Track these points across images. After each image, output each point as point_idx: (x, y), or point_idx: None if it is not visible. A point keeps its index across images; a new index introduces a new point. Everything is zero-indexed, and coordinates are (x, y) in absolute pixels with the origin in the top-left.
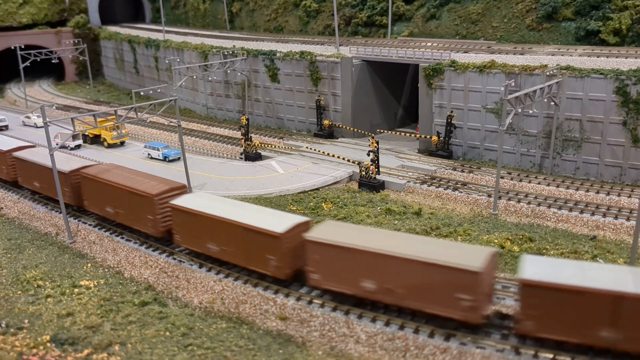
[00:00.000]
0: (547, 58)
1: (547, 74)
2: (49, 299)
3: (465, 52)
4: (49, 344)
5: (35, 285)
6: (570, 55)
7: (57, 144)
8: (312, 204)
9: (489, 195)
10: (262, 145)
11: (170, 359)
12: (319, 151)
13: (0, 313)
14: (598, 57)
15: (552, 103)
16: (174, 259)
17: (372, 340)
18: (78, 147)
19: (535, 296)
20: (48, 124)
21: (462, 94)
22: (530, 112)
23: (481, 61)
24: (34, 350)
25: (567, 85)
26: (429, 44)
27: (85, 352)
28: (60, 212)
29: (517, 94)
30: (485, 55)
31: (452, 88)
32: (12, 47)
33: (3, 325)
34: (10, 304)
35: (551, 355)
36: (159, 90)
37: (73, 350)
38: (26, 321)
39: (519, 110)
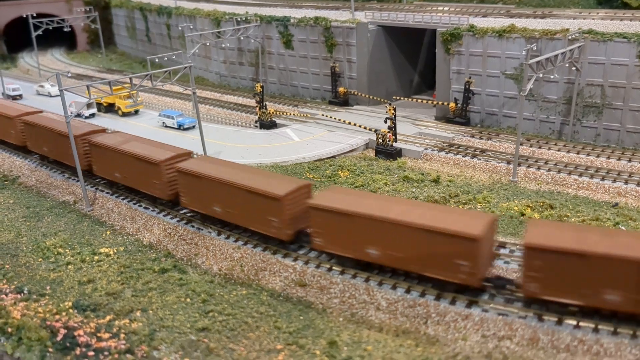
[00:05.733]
0: (568, 22)
1: (569, 37)
2: (69, 266)
3: (484, 16)
4: (71, 310)
5: (56, 253)
6: (593, 19)
7: (71, 113)
8: (328, 171)
9: (508, 162)
10: (277, 113)
11: (192, 325)
12: (334, 119)
13: (22, 280)
14: (621, 20)
15: (574, 68)
16: (192, 226)
17: (393, 307)
18: (92, 115)
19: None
20: (64, 92)
21: (480, 60)
22: (551, 77)
23: (500, 25)
24: (57, 316)
25: (589, 50)
26: (446, 8)
27: (108, 318)
28: (78, 181)
29: (538, 58)
30: (505, 19)
31: (470, 53)
32: (24, 16)
33: (25, 291)
34: (31, 271)
35: (575, 322)
36: (173, 57)
37: (95, 316)
38: (48, 288)
39: (540, 75)
